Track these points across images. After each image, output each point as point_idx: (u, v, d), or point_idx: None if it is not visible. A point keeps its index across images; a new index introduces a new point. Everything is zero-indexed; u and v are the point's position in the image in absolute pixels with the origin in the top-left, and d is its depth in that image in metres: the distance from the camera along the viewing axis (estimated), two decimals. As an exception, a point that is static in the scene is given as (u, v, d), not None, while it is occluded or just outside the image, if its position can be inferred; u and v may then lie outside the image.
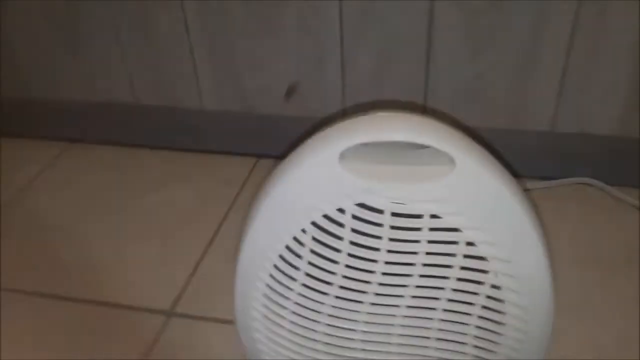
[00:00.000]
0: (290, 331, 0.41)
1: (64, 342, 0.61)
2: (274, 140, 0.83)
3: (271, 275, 0.39)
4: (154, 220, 0.75)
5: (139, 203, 0.78)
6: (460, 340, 0.40)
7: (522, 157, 0.75)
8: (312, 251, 0.38)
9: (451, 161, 0.36)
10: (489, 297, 0.38)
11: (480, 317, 0.39)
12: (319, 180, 0.37)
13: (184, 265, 0.68)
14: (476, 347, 0.40)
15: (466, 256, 0.37)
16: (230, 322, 0.61)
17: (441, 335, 0.40)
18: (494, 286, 0.38)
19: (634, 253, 0.66)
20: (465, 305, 0.39)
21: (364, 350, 0.41)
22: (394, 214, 0.37)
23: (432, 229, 0.37)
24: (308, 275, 0.39)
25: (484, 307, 0.39)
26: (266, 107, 0.81)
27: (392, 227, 0.37)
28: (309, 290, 0.39)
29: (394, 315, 0.39)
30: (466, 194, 0.36)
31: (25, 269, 0.69)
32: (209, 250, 0.70)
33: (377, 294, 0.39)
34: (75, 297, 0.66)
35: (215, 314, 0.62)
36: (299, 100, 0.79)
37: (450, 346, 0.40)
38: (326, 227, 0.37)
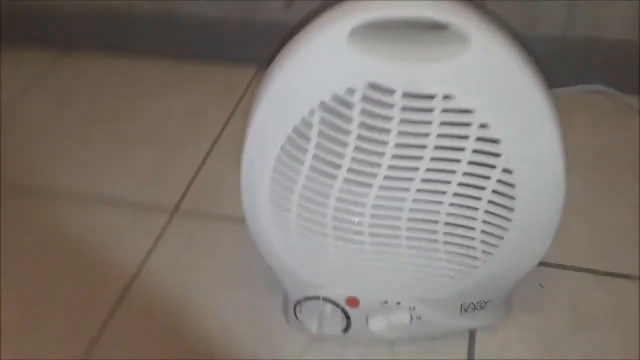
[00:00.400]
0: (299, 215, 0.40)
1: (70, 246, 0.61)
2: (275, 47, 0.81)
3: (278, 158, 0.38)
4: (154, 125, 0.74)
5: (139, 109, 0.77)
6: (470, 225, 0.40)
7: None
8: (321, 133, 0.37)
9: (466, 40, 0.34)
10: (500, 181, 0.38)
11: (491, 202, 0.39)
12: (328, 59, 0.35)
13: (187, 166, 0.68)
14: (484, 232, 0.40)
15: (479, 138, 0.36)
16: (237, 219, 0.61)
17: (451, 219, 0.40)
18: (505, 170, 0.37)
19: (641, 158, 0.65)
20: (476, 190, 0.38)
21: (372, 235, 0.41)
22: (406, 95, 0.35)
23: (444, 110, 0.36)
24: (316, 157, 0.38)
25: (495, 192, 0.38)
26: (268, 12, 0.78)
27: (404, 108, 0.36)
28: (317, 174, 0.39)
29: (403, 199, 0.39)
30: (481, 74, 0.35)
31: (26, 165, 0.69)
32: (212, 152, 0.70)
33: (387, 177, 0.38)
34: (76, 193, 0.66)
35: (221, 211, 0.63)
36: (300, 5, 0.76)
37: (459, 231, 0.40)
38: (335, 107, 0.36)
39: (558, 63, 0.73)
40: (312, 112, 0.37)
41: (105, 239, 0.61)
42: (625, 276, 0.54)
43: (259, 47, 0.81)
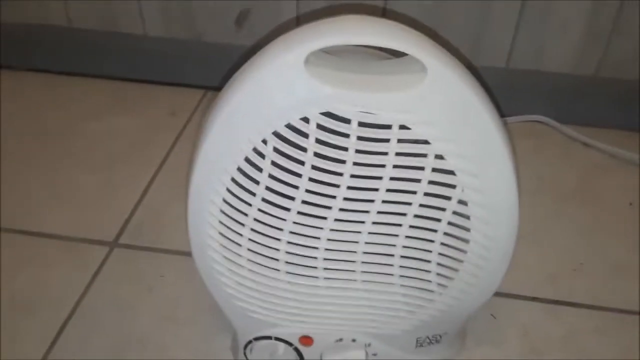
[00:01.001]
0: (250, 250, 0.38)
1: (3, 272, 0.57)
2: (224, 72, 0.79)
3: (228, 190, 0.36)
4: (95, 149, 0.71)
5: (79, 132, 0.73)
6: (425, 258, 0.39)
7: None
8: (274, 163, 0.35)
9: (422, 69, 0.34)
10: (455, 212, 0.37)
11: (446, 234, 0.38)
12: (281, 86, 0.34)
13: (128, 195, 0.65)
14: (440, 265, 0.39)
15: (435, 170, 0.36)
16: (180, 252, 0.59)
17: (406, 253, 0.39)
18: (461, 201, 0.37)
19: (583, 185, 0.67)
20: (431, 222, 0.37)
21: (327, 269, 0.39)
22: (362, 124, 0.34)
23: (400, 141, 0.35)
24: (268, 189, 0.36)
25: (450, 224, 0.38)
26: (216, 35, 0.77)
27: (359, 138, 0.35)
28: (269, 206, 0.37)
29: (358, 232, 0.38)
30: (437, 104, 0.34)
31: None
32: (156, 179, 0.67)
33: (342, 210, 0.37)
34: (10, 228, 0.61)
35: (165, 244, 0.60)
36: (251, 27, 0.75)
37: (414, 264, 0.39)
38: (289, 137, 0.35)
39: (501, 93, 0.75)
40: (264, 142, 0.35)
41: (37, 274, 0.56)
42: (572, 304, 0.55)
43: (206, 72, 0.80)
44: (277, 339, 0.44)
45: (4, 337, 0.51)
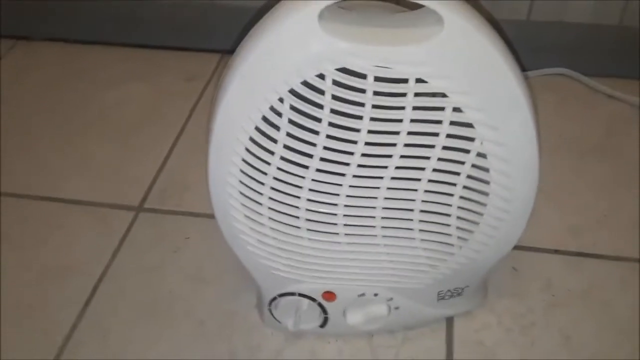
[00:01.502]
0: (270, 209, 0.39)
1: (32, 239, 0.58)
2: (239, 34, 0.78)
3: (247, 150, 0.37)
4: (114, 117, 0.71)
5: (97, 101, 0.74)
6: (444, 212, 0.39)
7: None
8: (291, 121, 0.36)
9: (439, 21, 0.33)
10: (474, 165, 0.37)
11: (465, 187, 0.38)
12: (296, 43, 0.34)
13: (150, 161, 0.66)
14: (460, 218, 0.39)
15: (452, 123, 0.35)
16: (204, 215, 0.60)
17: (426, 207, 0.39)
18: (480, 154, 0.37)
19: (605, 139, 0.66)
20: (450, 175, 0.37)
21: (347, 226, 0.40)
22: (378, 79, 0.34)
23: (417, 94, 0.35)
24: (287, 147, 0.36)
25: (469, 177, 0.38)
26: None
27: (376, 93, 0.34)
28: (288, 164, 0.37)
29: (377, 188, 0.38)
30: (454, 56, 0.34)
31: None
32: (177, 145, 0.67)
33: (360, 166, 0.37)
34: (36, 195, 0.63)
35: (188, 207, 0.61)
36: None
37: (434, 218, 0.39)
38: (305, 94, 0.35)
39: (522, 47, 0.73)
40: (281, 100, 0.35)
41: (66, 240, 0.58)
42: (595, 256, 0.55)
43: (221, 35, 0.79)
44: (300, 295, 0.45)
45: (36, 304, 0.53)
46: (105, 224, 0.59)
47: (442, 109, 0.35)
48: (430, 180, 0.38)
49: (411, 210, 0.39)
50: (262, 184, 0.38)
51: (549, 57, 0.74)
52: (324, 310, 0.46)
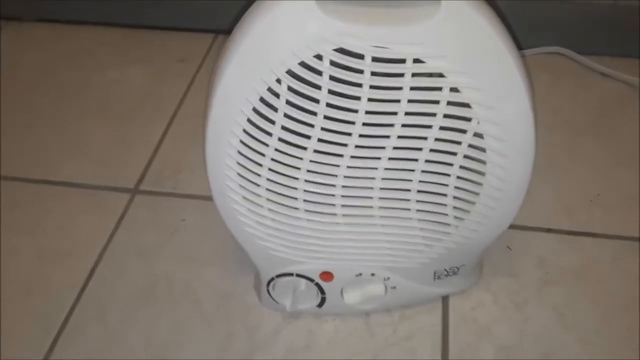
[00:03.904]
0: (268, 190, 0.39)
1: (27, 223, 0.58)
2: (233, 14, 0.77)
3: (245, 131, 0.37)
4: (107, 99, 0.71)
5: (90, 83, 0.73)
6: (442, 192, 0.39)
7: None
8: (289, 103, 0.36)
9: (436, 1, 0.33)
10: (471, 145, 0.37)
11: (462, 167, 0.38)
12: (293, 23, 0.33)
13: (145, 143, 0.65)
14: (456, 198, 0.40)
15: (450, 103, 0.36)
16: (200, 197, 0.60)
17: (423, 187, 0.39)
18: (477, 134, 0.37)
19: (600, 118, 0.66)
20: (447, 155, 0.38)
21: (345, 206, 0.40)
22: (375, 59, 0.34)
23: (415, 75, 0.35)
24: (284, 129, 0.36)
25: (466, 157, 0.38)
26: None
27: (373, 74, 0.34)
28: (286, 145, 0.37)
29: (375, 168, 0.38)
30: (452, 36, 0.34)
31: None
32: (171, 127, 0.67)
33: (358, 147, 0.37)
34: (33, 178, 0.62)
35: (184, 189, 0.61)
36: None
37: (431, 198, 0.40)
38: (303, 75, 0.35)
39: (518, 25, 0.73)
40: (279, 81, 0.35)
41: (63, 222, 0.58)
42: (588, 234, 0.56)
43: (214, 15, 0.78)
44: (298, 275, 0.45)
45: (34, 287, 0.53)
46: (101, 207, 0.59)
47: (439, 89, 0.35)
48: (427, 160, 0.38)
49: (408, 190, 0.39)
50: (260, 165, 0.38)
51: (545, 36, 0.74)
52: (321, 290, 0.47)
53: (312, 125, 0.36)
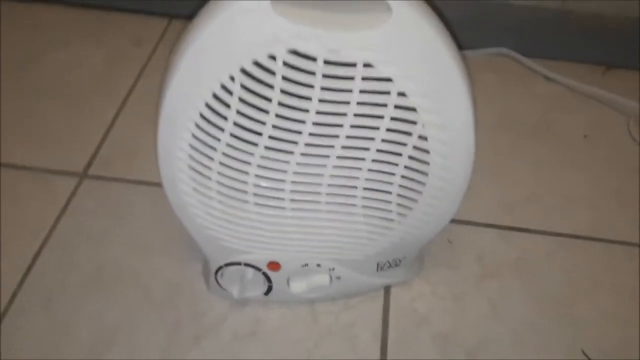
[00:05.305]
0: (219, 183, 0.40)
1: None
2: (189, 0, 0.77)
3: (197, 126, 0.37)
4: (58, 80, 0.69)
5: (42, 62, 0.71)
6: (386, 190, 0.41)
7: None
8: (241, 100, 0.36)
9: (387, 9, 0.34)
10: (415, 147, 0.39)
11: (406, 167, 0.40)
12: (248, 23, 0.34)
13: (95, 127, 0.64)
14: (400, 196, 0.42)
15: (397, 107, 0.37)
16: (149, 183, 0.60)
17: (368, 185, 0.41)
18: (421, 137, 0.39)
19: (542, 120, 0.69)
20: (392, 156, 0.39)
21: (293, 201, 0.41)
22: (327, 62, 0.35)
23: (364, 79, 0.36)
24: (237, 125, 0.37)
25: (411, 158, 0.40)
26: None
27: (325, 76, 0.36)
28: (237, 141, 0.38)
29: (323, 166, 0.39)
30: (401, 43, 0.35)
31: None
32: (122, 111, 0.66)
33: (308, 145, 0.38)
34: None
35: (134, 174, 0.60)
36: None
37: (376, 195, 0.41)
38: (256, 74, 0.35)
39: (466, 26, 0.75)
40: (232, 78, 0.36)
41: (7, 205, 0.57)
42: (525, 230, 0.59)
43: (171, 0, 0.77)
44: (246, 264, 0.46)
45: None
46: (47, 190, 0.58)
47: (387, 93, 0.37)
48: (374, 160, 0.40)
49: (355, 187, 0.41)
50: (212, 159, 0.39)
51: (491, 37, 0.76)
52: (268, 279, 0.48)
53: (264, 123, 0.37)
